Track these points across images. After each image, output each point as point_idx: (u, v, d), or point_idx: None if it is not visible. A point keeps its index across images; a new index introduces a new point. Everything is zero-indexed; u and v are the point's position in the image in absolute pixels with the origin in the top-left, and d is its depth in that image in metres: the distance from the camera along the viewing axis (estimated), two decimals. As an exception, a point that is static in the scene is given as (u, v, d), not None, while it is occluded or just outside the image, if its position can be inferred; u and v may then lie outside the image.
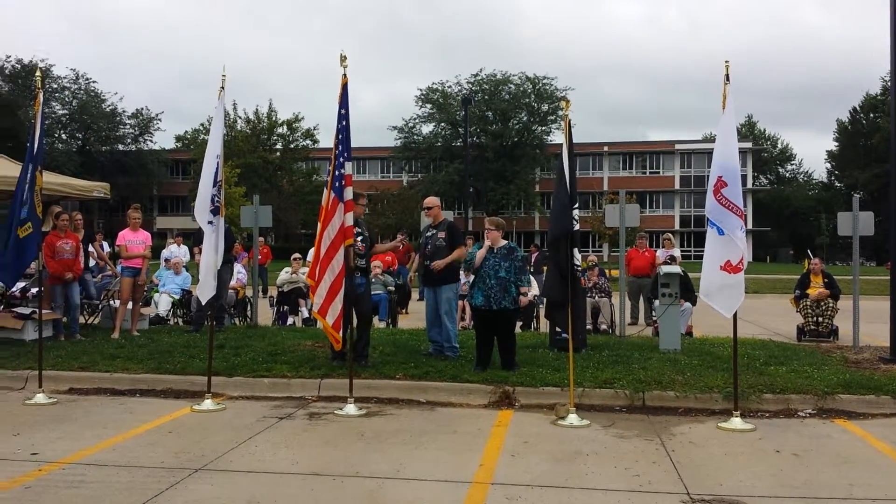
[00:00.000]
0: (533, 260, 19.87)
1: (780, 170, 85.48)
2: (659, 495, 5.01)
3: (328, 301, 7.49)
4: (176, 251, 15.28)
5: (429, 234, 9.40)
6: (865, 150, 66.76)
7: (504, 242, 8.83)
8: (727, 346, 8.42)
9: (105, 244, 17.11)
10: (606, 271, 14.81)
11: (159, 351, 9.66)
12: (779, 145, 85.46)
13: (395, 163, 67.15)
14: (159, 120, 66.03)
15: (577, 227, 7.55)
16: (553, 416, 7.16)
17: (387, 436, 6.50)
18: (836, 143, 74.40)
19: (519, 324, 11.97)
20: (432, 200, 9.72)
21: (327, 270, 7.47)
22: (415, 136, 63.74)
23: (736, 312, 7.10)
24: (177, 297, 13.84)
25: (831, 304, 12.91)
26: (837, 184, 74.21)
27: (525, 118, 62.96)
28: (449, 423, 7.01)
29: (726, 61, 7.14)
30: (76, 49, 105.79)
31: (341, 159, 7.56)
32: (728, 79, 7.14)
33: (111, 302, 12.38)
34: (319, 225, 7.63)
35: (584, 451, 6.03)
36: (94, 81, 63.02)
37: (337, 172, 7.55)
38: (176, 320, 13.69)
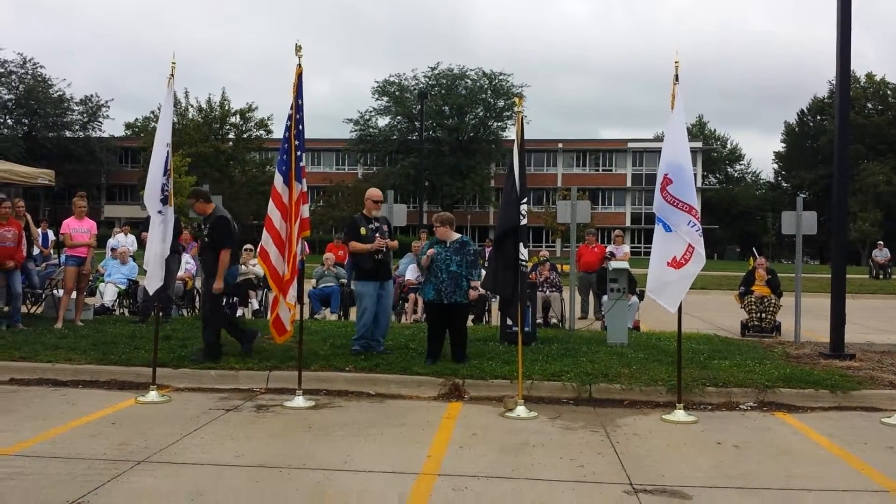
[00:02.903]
0: (487, 254, 19.97)
1: (729, 169, 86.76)
2: (602, 486, 5.09)
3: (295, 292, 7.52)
4: (123, 240, 15.03)
5: (372, 226, 9.18)
6: (812, 151, 68.09)
7: (457, 236, 8.83)
8: (672, 340, 8.56)
9: (50, 232, 16.74)
10: (558, 266, 14.97)
11: (103, 341, 9.48)
12: (728, 145, 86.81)
13: (350, 155, 66.74)
14: (108, 107, 64.43)
15: (524, 221, 7.57)
16: (501, 408, 7.22)
17: (335, 428, 6.48)
18: (784, 145, 75.73)
19: (471, 317, 12.03)
20: (379, 193, 9.43)
21: (291, 261, 7.46)
22: (370, 129, 63.30)
23: (681, 307, 7.21)
24: (123, 286, 13.58)
25: (774, 301, 13.22)
26: (784, 184, 75.47)
27: (481, 113, 63.05)
28: (398, 415, 7.02)
29: (676, 61, 7.18)
30: (23, 33, 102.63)
31: (300, 152, 7.51)
32: (677, 79, 7.20)
33: (55, 291, 12.12)
34: (280, 214, 7.53)
35: (531, 443, 6.10)
36: (41, 66, 61.33)
37: (298, 164, 7.50)
38: (122, 310, 13.45)
